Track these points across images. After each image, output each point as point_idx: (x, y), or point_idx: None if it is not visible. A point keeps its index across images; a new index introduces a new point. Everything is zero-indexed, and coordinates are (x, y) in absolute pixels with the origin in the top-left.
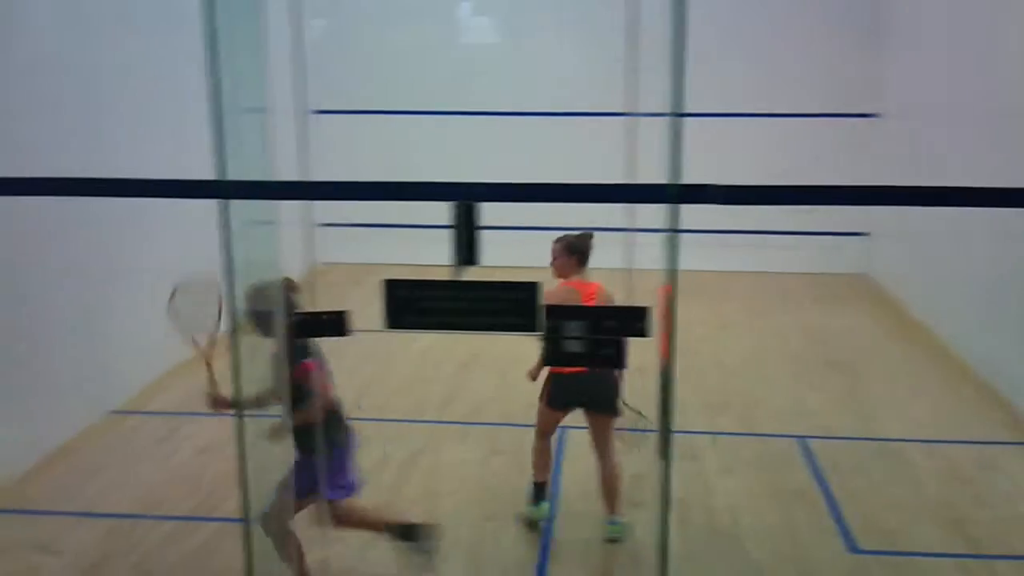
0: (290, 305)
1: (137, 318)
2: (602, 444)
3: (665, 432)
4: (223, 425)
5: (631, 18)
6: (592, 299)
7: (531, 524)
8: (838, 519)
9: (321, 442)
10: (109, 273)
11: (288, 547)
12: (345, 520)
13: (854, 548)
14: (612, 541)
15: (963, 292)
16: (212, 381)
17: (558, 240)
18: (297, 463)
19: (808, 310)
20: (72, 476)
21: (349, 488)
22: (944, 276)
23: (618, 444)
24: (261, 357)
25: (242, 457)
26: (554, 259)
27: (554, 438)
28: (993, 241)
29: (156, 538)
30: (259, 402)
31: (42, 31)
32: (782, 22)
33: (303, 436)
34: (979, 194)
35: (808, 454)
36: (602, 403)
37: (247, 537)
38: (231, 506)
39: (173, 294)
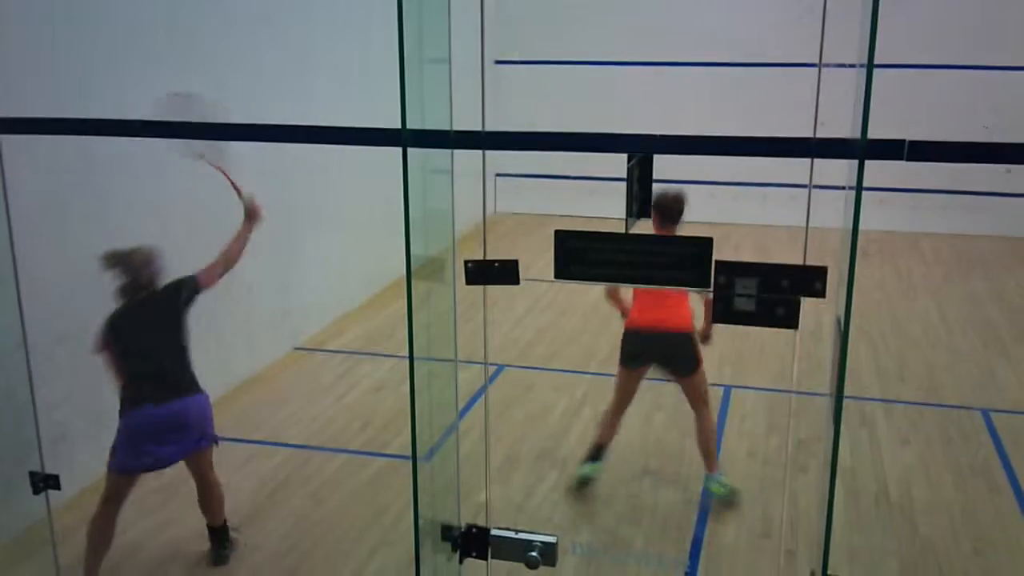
0: (139, 274)
1: (323, 260)
2: (692, 401)
3: (837, 397)
4: (396, 365)
5: None
6: None
7: (582, 482)
8: (1021, 499)
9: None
10: (302, 217)
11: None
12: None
13: None
14: (715, 496)
15: None
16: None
17: None
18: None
19: (1003, 276)
20: (258, 406)
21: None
22: None
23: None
24: (436, 302)
25: (413, 396)
26: None
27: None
28: None
29: (330, 470)
30: None
31: None
32: None
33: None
34: None
35: (993, 429)
36: (676, 362)
37: (415, 473)
38: (400, 443)
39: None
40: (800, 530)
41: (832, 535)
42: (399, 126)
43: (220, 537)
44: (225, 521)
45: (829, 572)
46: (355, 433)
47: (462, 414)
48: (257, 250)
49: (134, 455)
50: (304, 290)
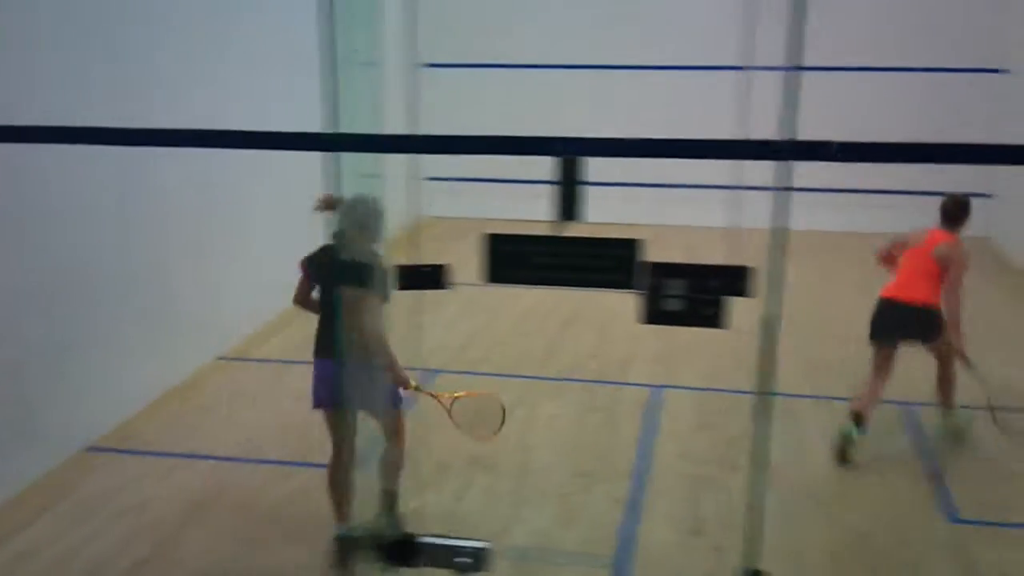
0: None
1: (246, 268)
2: (936, 357)
3: (763, 393)
4: None
5: None
6: None
7: (846, 440)
8: (940, 487)
9: None
10: (223, 224)
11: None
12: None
13: (954, 517)
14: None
15: None
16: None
17: None
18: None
19: None
20: (182, 417)
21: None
22: None
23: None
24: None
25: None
26: None
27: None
28: None
29: (256, 480)
30: None
31: None
32: None
33: None
34: None
35: (913, 421)
36: (917, 333)
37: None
38: (327, 452)
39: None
40: (734, 526)
41: (763, 528)
42: (325, 130)
43: (388, 502)
44: (395, 492)
45: (757, 568)
46: (281, 443)
47: None
48: (181, 256)
49: (317, 389)
50: (228, 297)
